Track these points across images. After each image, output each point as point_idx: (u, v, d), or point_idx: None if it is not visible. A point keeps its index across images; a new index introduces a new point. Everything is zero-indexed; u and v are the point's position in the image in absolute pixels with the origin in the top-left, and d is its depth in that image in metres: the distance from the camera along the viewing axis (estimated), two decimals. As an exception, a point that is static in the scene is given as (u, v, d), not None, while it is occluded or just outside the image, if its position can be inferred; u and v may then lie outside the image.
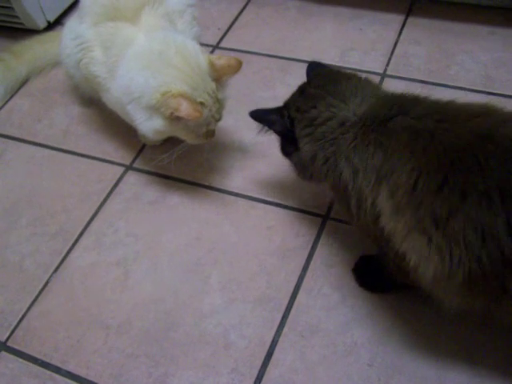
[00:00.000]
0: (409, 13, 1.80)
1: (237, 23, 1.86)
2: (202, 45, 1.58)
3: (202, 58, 1.28)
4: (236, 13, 1.89)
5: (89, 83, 1.45)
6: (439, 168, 0.88)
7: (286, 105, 1.14)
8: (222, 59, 1.29)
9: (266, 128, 1.15)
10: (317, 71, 1.15)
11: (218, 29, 1.84)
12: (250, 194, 1.38)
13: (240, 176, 1.42)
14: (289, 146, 1.14)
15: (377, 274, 1.18)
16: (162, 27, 1.36)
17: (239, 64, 1.29)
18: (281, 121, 1.12)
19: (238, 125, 1.52)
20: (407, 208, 0.89)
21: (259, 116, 1.15)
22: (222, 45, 1.79)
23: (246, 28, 1.84)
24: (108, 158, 1.52)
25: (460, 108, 0.96)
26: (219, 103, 1.28)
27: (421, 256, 0.89)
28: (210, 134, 1.31)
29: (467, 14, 1.76)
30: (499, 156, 0.85)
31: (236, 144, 1.49)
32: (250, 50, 1.74)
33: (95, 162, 1.51)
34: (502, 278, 0.86)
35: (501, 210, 0.83)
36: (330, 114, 1.03)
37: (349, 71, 1.13)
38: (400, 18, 1.78)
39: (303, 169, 1.14)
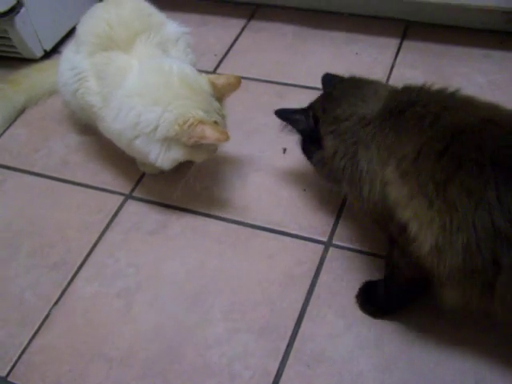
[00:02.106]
0: (404, 36, 1.81)
1: (233, 49, 1.87)
2: (199, 71, 1.59)
3: (202, 80, 1.31)
4: (232, 38, 1.90)
5: (85, 112, 1.45)
6: (442, 139, 0.95)
7: (311, 106, 1.24)
8: (221, 78, 1.33)
9: (289, 127, 1.24)
10: (341, 78, 1.26)
11: (215, 55, 1.84)
12: (251, 222, 1.38)
13: (240, 204, 1.42)
14: (311, 146, 1.22)
15: (380, 299, 1.18)
16: (155, 56, 1.37)
17: (239, 81, 1.33)
18: (305, 120, 1.21)
19: (237, 152, 1.51)
20: (411, 174, 0.96)
21: (284, 114, 1.25)
22: (219, 71, 1.79)
23: (242, 54, 1.84)
24: (107, 187, 1.51)
25: (465, 99, 1.05)
26: (224, 119, 1.32)
27: (422, 223, 0.94)
28: (216, 148, 1.35)
29: (462, 36, 1.77)
30: (498, 134, 0.93)
31: (236, 172, 1.48)
32: (247, 75, 1.74)
33: (94, 191, 1.51)
34: (494, 251, 0.89)
35: (492, 179, 0.89)
36: (352, 111, 1.12)
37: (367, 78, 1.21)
38: (395, 41, 1.79)
39: (324, 167, 1.20)
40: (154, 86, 1.29)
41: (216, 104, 1.30)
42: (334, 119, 1.14)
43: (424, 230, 0.94)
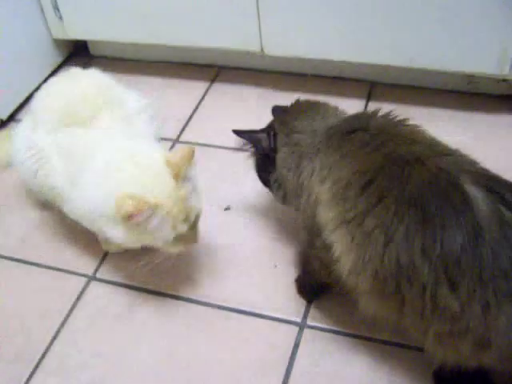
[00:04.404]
0: (369, 98, 1.80)
1: (197, 113, 1.83)
2: (162, 139, 1.55)
3: (157, 158, 1.21)
4: (195, 103, 1.87)
5: (46, 192, 1.38)
6: (371, 170, 1.00)
7: (270, 125, 1.27)
8: (177, 153, 1.21)
9: (247, 146, 1.27)
10: (296, 101, 1.29)
11: (178, 120, 1.80)
12: (221, 304, 1.32)
13: (209, 283, 1.36)
14: (269, 167, 1.23)
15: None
16: (120, 131, 1.32)
17: (191, 152, 1.21)
18: (266, 138, 1.22)
19: (204, 228, 1.45)
20: (340, 199, 1.02)
21: (244, 133, 1.26)
22: (183, 138, 1.75)
23: (206, 119, 1.81)
24: (69, 268, 1.43)
25: (411, 133, 1.10)
26: (182, 202, 1.19)
27: (344, 248, 1.01)
28: (188, 238, 1.23)
29: (426, 97, 1.77)
30: (422, 175, 0.96)
31: (203, 249, 1.42)
32: (213, 143, 1.71)
33: (55, 272, 1.43)
34: (398, 285, 0.95)
35: (406, 218, 0.93)
36: (306, 124, 1.18)
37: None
38: (361, 102, 1.78)
39: (279, 187, 1.23)
40: (105, 166, 1.22)
41: (170, 184, 1.18)
42: (290, 130, 1.19)
43: (344, 256, 1.01)
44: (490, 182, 0.95)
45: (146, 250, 1.36)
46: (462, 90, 1.77)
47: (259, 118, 1.75)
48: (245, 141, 1.26)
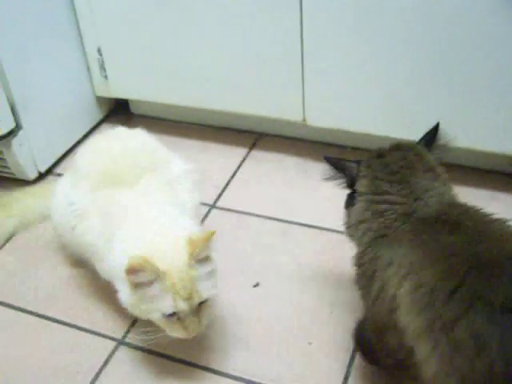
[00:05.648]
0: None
1: (234, 180, 1.82)
2: (200, 204, 1.53)
3: (182, 233, 1.19)
4: (233, 169, 1.86)
5: (81, 249, 1.37)
6: (456, 275, 0.92)
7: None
8: (201, 235, 1.18)
9: (335, 176, 1.18)
10: (395, 147, 1.17)
11: (215, 186, 1.79)
12: (253, 379, 1.26)
13: (242, 357, 1.31)
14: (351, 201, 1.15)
15: None
16: (161, 197, 1.32)
17: (210, 235, 1.17)
18: (355, 168, 1.14)
19: (238, 298, 1.42)
20: (423, 308, 0.94)
21: (335, 162, 1.17)
22: (219, 204, 1.73)
23: (243, 186, 1.80)
24: (98, 329, 1.40)
25: (500, 230, 1.04)
26: (190, 281, 1.15)
27: (429, 353, 0.92)
28: (190, 325, 1.17)
29: (470, 177, 1.74)
30: None
31: (238, 320, 1.38)
32: (248, 211, 1.69)
33: (83, 333, 1.39)
34: None
35: (499, 322, 0.86)
36: (405, 193, 1.08)
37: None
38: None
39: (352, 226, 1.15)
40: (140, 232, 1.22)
41: (184, 259, 1.15)
42: (380, 189, 1.10)
43: (428, 363, 0.93)
44: None
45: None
46: (505, 171, 1.75)
47: (298, 187, 1.76)
48: (332, 172, 1.18)
